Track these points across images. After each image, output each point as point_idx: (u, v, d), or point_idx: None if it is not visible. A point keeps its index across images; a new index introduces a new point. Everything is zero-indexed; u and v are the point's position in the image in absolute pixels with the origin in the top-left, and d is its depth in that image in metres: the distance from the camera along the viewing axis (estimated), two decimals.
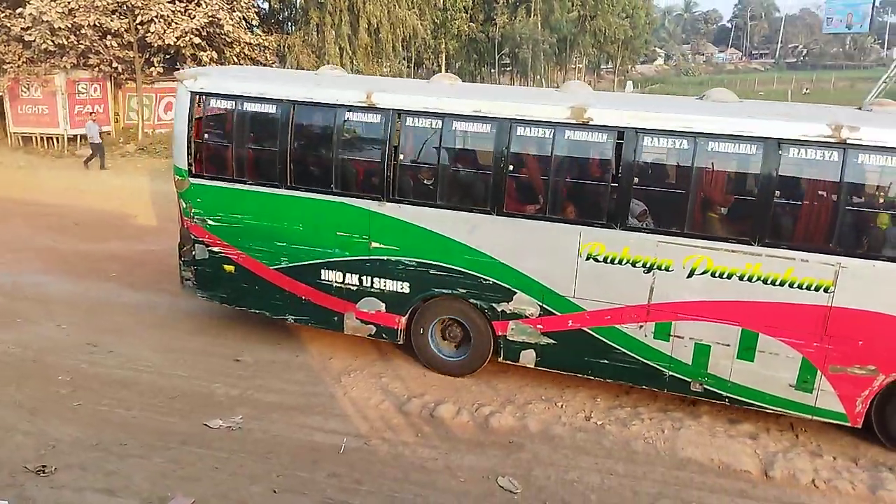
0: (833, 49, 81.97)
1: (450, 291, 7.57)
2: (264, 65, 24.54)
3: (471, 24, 40.48)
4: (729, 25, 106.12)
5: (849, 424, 6.64)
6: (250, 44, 22.15)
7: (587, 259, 6.96)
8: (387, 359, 8.32)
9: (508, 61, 49.90)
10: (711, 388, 6.96)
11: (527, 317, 7.37)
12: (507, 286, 7.33)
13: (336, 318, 8.12)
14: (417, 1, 32.29)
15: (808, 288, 6.36)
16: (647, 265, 6.79)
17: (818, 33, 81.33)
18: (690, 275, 6.67)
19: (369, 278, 7.82)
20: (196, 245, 8.45)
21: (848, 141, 6.04)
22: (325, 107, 7.63)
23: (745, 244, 6.45)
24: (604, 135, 6.74)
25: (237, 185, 8.06)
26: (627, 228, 6.76)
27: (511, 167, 7.06)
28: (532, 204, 7.21)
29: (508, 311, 7.42)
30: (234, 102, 7.95)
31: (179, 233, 8.68)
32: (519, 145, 7.07)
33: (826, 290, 6.33)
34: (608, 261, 6.90)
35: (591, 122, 6.73)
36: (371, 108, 7.41)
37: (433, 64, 44.10)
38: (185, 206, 8.41)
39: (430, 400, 7.33)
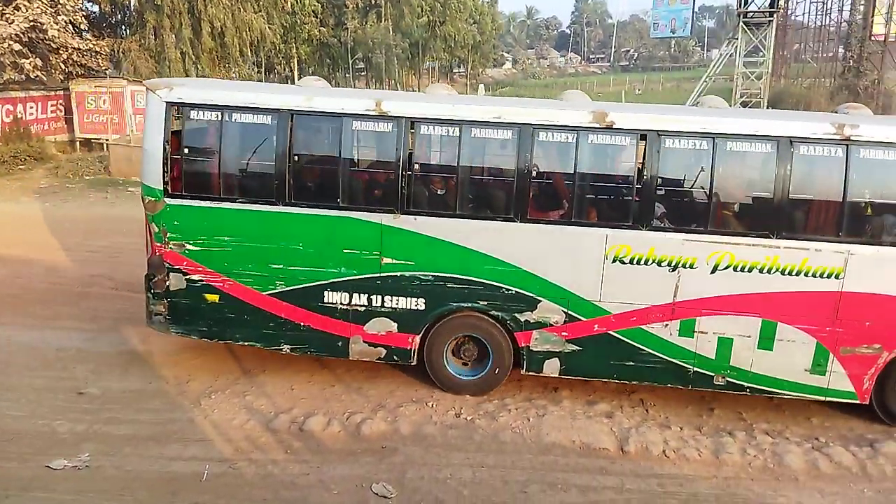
0: (660, 52, 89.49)
1: (469, 305, 7.26)
2: (97, 71, 22.80)
3: (322, 28, 39.98)
4: (568, 31, 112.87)
5: (857, 401, 7.12)
6: (79, 49, 20.49)
7: (613, 261, 6.94)
8: (251, 376, 7.99)
9: (363, 66, 49.83)
10: (733, 380, 7.18)
11: (551, 325, 7.23)
12: (532, 294, 7.17)
13: (340, 344, 7.56)
14: (264, 4, 31.32)
15: (822, 275, 6.76)
16: (673, 264, 6.89)
17: (647, 38, 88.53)
18: (714, 270, 6.85)
19: (380, 297, 7.34)
20: (171, 274, 7.51)
21: (851, 138, 6.58)
22: (330, 116, 7.12)
23: (765, 237, 6.75)
24: (627, 138, 6.83)
25: (225, 205, 7.29)
26: (653, 229, 6.87)
27: (534, 173, 6.97)
28: (556, 209, 7.15)
29: (532, 321, 7.24)
30: (220, 113, 7.16)
31: (148, 262, 7.68)
32: (542, 151, 6.98)
33: (837, 277, 6.74)
34: (634, 262, 6.92)
35: (613, 126, 6.80)
36: (382, 117, 7.01)
37: (285, 69, 43.08)
38: (157, 230, 7.43)
39: (299, 414, 7.12)
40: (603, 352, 7.24)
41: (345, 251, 7.24)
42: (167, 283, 7.55)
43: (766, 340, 7.01)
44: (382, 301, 7.35)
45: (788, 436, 7.06)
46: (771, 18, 32.06)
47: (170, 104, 7.19)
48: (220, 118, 7.16)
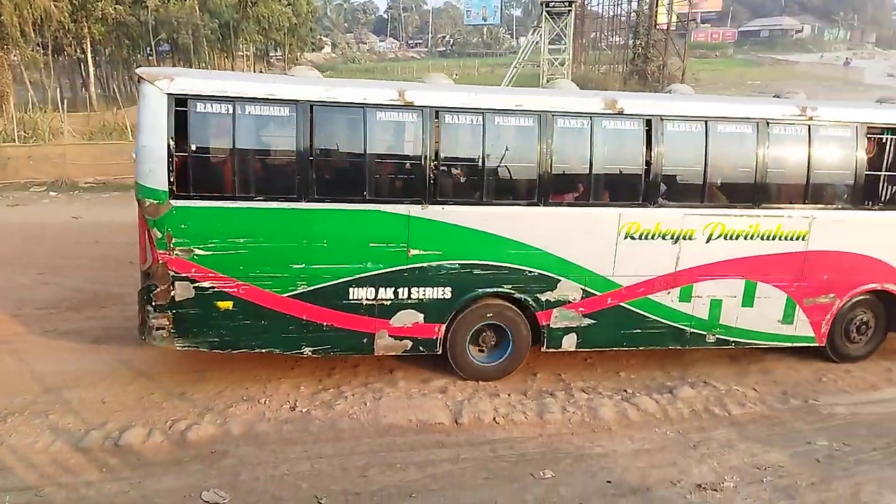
0: (474, 39, 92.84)
1: (495, 289, 7.45)
2: None
3: (118, 6, 36.46)
4: (386, 16, 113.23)
5: (816, 344, 8.38)
6: None
7: (626, 238, 7.49)
8: (53, 392, 7.17)
9: (168, 47, 46.33)
10: (722, 336, 8.12)
11: (570, 302, 7.62)
12: (553, 275, 7.50)
13: (365, 340, 7.36)
14: None
15: (792, 238, 7.88)
16: (675, 236, 7.61)
17: (461, 25, 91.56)
18: (709, 240, 7.68)
19: (406, 289, 7.26)
20: (176, 283, 6.79)
21: (813, 118, 7.68)
22: (352, 107, 6.85)
23: (749, 208, 7.69)
24: (635, 122, 7.33)
25: (240, 204, 6.75)
26: (659, 206, 7.48)
27: (554, 158, 7.19)
28: (574, 192, 7.46)
29: (553, 300, 7.59)
30: (230, 106, 6.56)
31: (146, 273, 6.85)
32: (560, 137, 7.21)
33: (804, 239, 7.90)
34: (643, 237, 7.53)
35: (623, 112, 7.28)
36: (407, 107, 6.89)
37: (76, 51, 38.85)
38: (160, 236, 6.67)
39: (114, 428, 6.53)
40: (615, 323, 7.81)
41: (371, 245, 7.09)
42: (172, 294, 6.85)
43: (749, 298, 8.02)
44: (409, 293, 7.30)
45: (601, 391, 7.73)
46: (570, 8, 34.55)
47: (172, 96, 6.48)
48: (231, 111, 6.60)
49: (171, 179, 6.55)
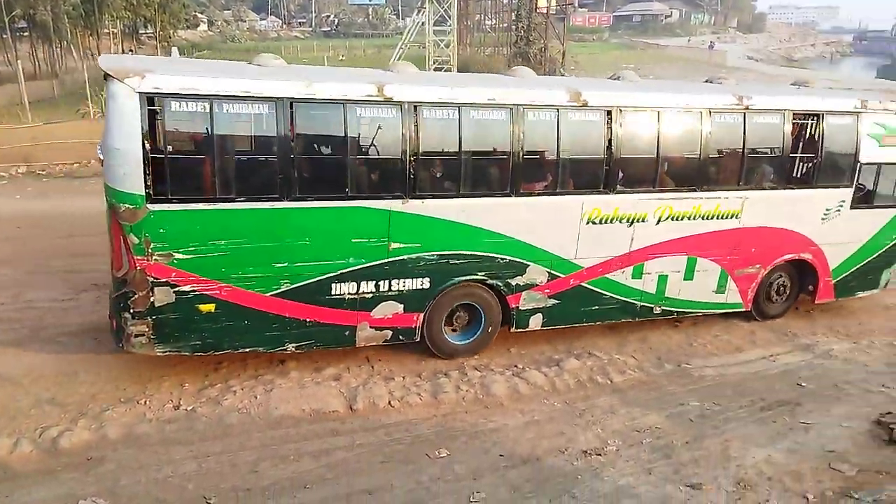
0: (359, 19, 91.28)
1: (470, 277, 7.73)
2: None
3: None
4: None
5: (743, 310, 9.37)
6: None
7: (587, 223, 7.98)
8: None
9: (26, 24, 42.33)
10: (667, 308, 8.92)
11: (537, 285, 8.08)
12: (522, 261, 7.89)
13: (347, 333, 7.49)
14: None
15: (728, 217, 8.64)
16: (630, 220, 8.16)
17: (345, 4, 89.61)
18: (658, 222, 8.31)
19: (387, 282, 7.41)
20: (156, 289, 6.57)
21: (749, 107, 8.31)
22: (332, 104, 6.74)
23: (693, 191, 8.33)
24: (597, 114, 7.66)
25: (220, 205, 6.54)
26: (617, 192, 7.96)
27: (524, 150, 7.41)
28: (543, 182, 7.77)
29: (522, 284, 8.00)
30: (208, 104, 6.29)
31: (122, 279, 6.53)
32: (530, 129, 7.41)
33: (737, 217, 8.68)
34: (603, 222, 8.05)
35: (587, 104, 7.58)
36: (386, 103, 6.86)
37: None
38: (138, 241, 6.38)
39: None
40: (576, 302, 8.38)
41: (353, 241, 7.14)
42: (151, 300, 6.61)
43: (690, 272, 8.83)
44: (390, 285, 7.44)
45: (493, 367, 7.94)
46: None
47: (144, 95, 6.13)
48: (208, 109, 6.33)
49: (148, 183, 6.24)
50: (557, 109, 7.57)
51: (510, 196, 7.57)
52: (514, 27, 40.03)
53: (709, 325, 9.41)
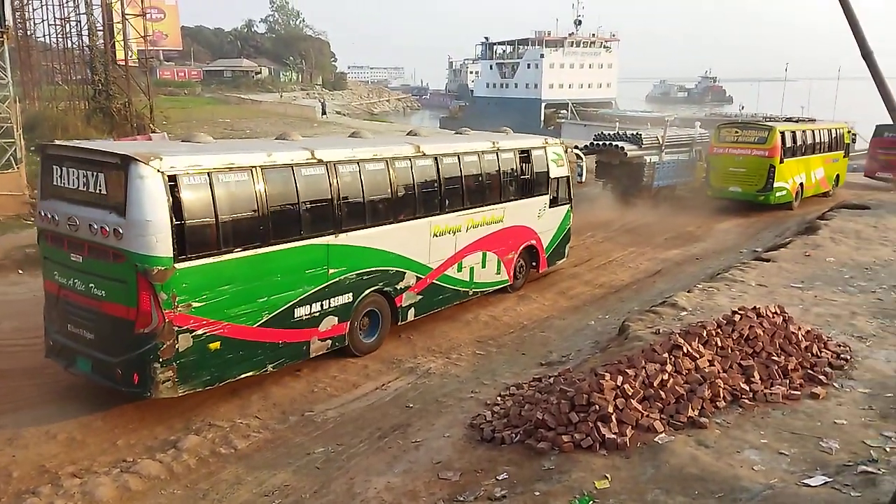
0: None
1: (375, 288, 10.27)
2: None
3: None
4: None
5: (510, 283, 13.49)
6: None
7: (433, 236, 11.27)
8: None
9: None
10: (475, 290, 12.63)
11: (410, 286, 10.93)
12: (402, 269, 10.75)
13: (304, 348, 9.34)
14: None
15: (497, 222, 12.72)
16: (454, 231, 11.71)
17: None
18: (467, 230, 12.00)
19: (328, 301, 9.47)
20: (179, 337, 7.66)
21: (500, 148, 12.74)
22: (284, 167, 8.88)
23: (480, 207, 12.25)
24: (431, 160, 11.17)
25: (225, 257, 8.07)
26: (447, 213, 11.48)
27: (397, 190, 10.50)
28: (407, 210, 10.78)
29: (402, 287, 10.79)
30: (207, 176, 7.93)
31: (148, 335, 7.42)
32: (398, 174, 10.55)
33: (502, 221, 12.82)
34: (441, 234, 11.41)
35: (425, 153, 11.12)
36: (318, 163, 9.29)
37: None
38: (167, 297, 7.50)
39: None
40: (432, 294, 11.51)
41: (307, 271, 9.12)
42: (176, 347, 7.64)
43: (483, 263, 12.61)
44: (330, 303, 9.50)
45: (96, 469, 6.96)
46: (1, 38, 29.86)
47: (165, 174, 7.44)
48: (208, 180, 7.94)
49: (175, 247, 7.51)
50: (410, 159, 10.78)
51: (392, 223, 10.46)
52: (91, 80, 36.27)
53: (326, 368, 9.77)
